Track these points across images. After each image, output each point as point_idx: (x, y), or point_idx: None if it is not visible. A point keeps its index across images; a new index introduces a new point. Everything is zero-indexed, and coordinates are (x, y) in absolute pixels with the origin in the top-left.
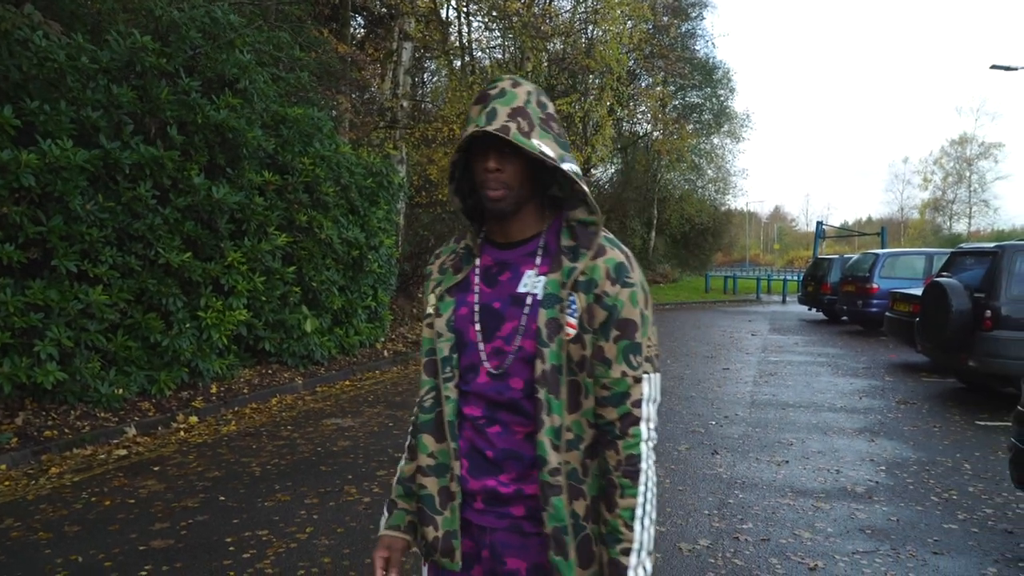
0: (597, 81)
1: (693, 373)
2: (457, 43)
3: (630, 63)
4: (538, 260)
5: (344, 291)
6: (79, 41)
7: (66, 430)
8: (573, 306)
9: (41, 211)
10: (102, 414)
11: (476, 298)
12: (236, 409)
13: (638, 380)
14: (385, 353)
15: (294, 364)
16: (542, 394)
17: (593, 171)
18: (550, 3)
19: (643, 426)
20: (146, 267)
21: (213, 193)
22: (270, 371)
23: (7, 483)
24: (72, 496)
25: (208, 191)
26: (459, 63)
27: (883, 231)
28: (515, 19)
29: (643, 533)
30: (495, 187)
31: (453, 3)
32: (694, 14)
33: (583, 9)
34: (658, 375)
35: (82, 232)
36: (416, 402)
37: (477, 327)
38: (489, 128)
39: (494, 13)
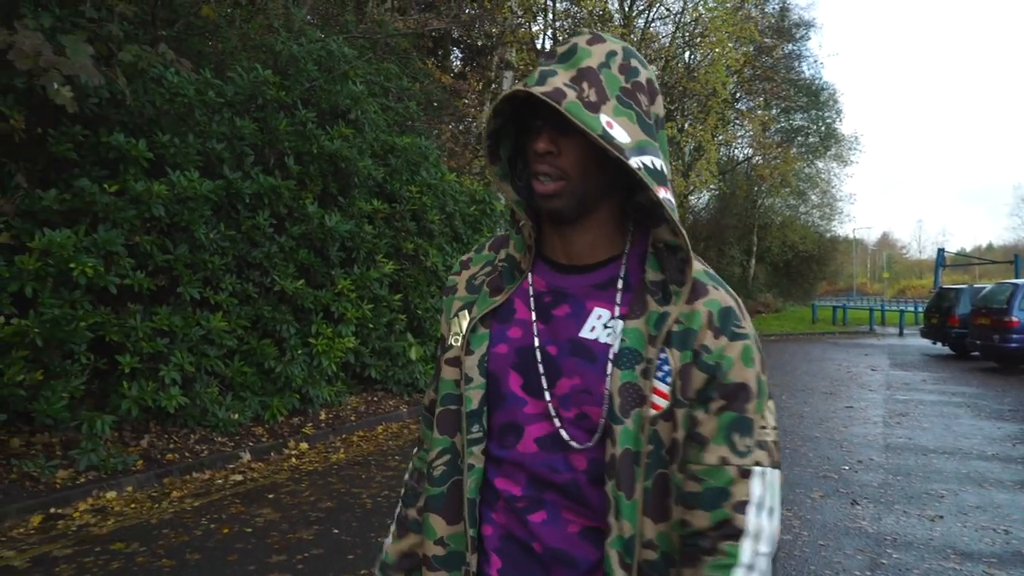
0: (696, 105)
1: (813, 411)
2: None
3: (731, 86)
4: (618, 297)
5: None
6: (206, 76)
7: (187, 453)
8: (665, 367)
9: (169, 240)
10: (219, 438)
11: (521, 333)
12: (344, 436)
13: (745, 473)
14: None
15: (399, 391)
16: (609, 489)
17: (690, 197)
18: (648, 28)
19: (746, 545)
20: (262, 294)
21: (326, 221)
22: (375, 398)
23: (133, 505)
24: (192, 522)
25: (321, 219)
26: None
27: (1016, 259)
28: None
29: None
30: (546, 177)
31: (550, 32)
32: (799, 35)
33: (684, 33)
34: (778, 472)
35: (205, 260)
36: (413, 463)
37: (513, 372)
38: (536, 89)
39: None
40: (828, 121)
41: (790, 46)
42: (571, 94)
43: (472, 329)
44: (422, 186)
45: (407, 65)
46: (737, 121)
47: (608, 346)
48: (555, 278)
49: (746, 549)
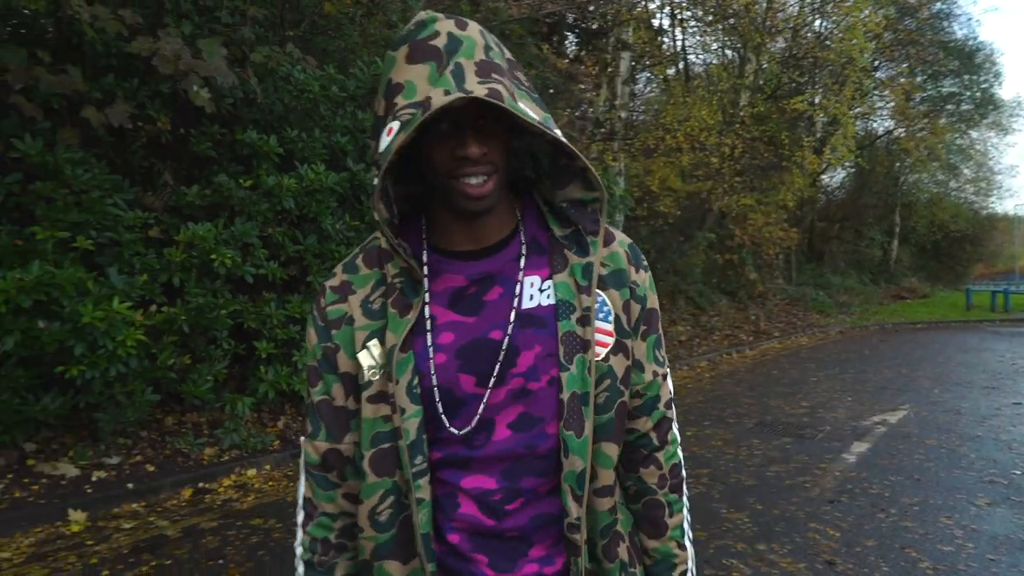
0: (829, 76)
1: (973, 407)
2: (671, 51)
3: (870, 53)
4: (522, 262)
5: None
6: (330, 72)
7: None
8: (605, 308)
9: (298, 231)
10: None
11: (453, 337)
12: None
13: (665, 377)
14: None
15: None
16: (560, 431)
17: (823, 176)
18: None
19: (675, 427)
20: None
21: None
22: None
23: (271, 483)
24: None
25: None
26: (673, 71)
27: None
28: (734, 20)
29: (691, 546)
30: (477, 178)
31: (667, 10)
32: None
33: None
34: None
35: (332, 250)
36: (309, 534)
37: (461, 374)
38: (479, 94)
39: (710, 18)
40: (984, 86)
41: (938, 4)
42: (503, 91)
43: (388, 356)
44: None
45: (522, 51)
46: (876, 92)
47: (551, 307)
48: (474, 267)
49: (676, 430)
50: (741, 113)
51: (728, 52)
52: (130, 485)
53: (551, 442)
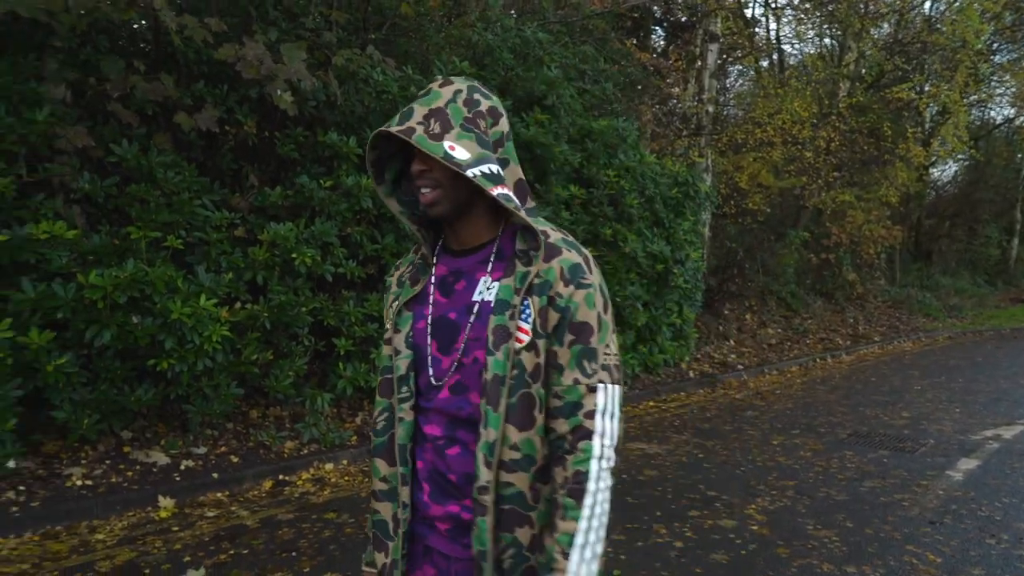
0: (939, 62)
1: None
2: (764, 42)
3: (987, 35)
4: (490, 267)
5: (648, 307)
6: (408, 73)
7: None
8: (527, 311)
9: (376, 231)
10: None
11: (431, 310)
12: None
13: (592, 389)
14: (691, 374)
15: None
16: (481, 405)
17: (931, 170)
18: None
19: (596, 441)
20: None
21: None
22: None
23: (347, 478)
24: None
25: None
26: (766, 63)
27: None
28: (832, 7)
29: (582, 566)
30: (426, 188)
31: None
32: None
33: None
34: (618, 388)
35: (409, 248)
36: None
37: (432, 340)
38: (392, 129)
39: (807, 5)
40: None
41: None
42: (419, 128)
43: (398, 313)
44: (620, 169)
45: (604, 47)
46: (995, 77)
47: (488, 302)
48: (454, 262)
49: (596, 444)
50: (840, 105)
51: (826, 41)
52: (215, 475)
53: (473, 410)
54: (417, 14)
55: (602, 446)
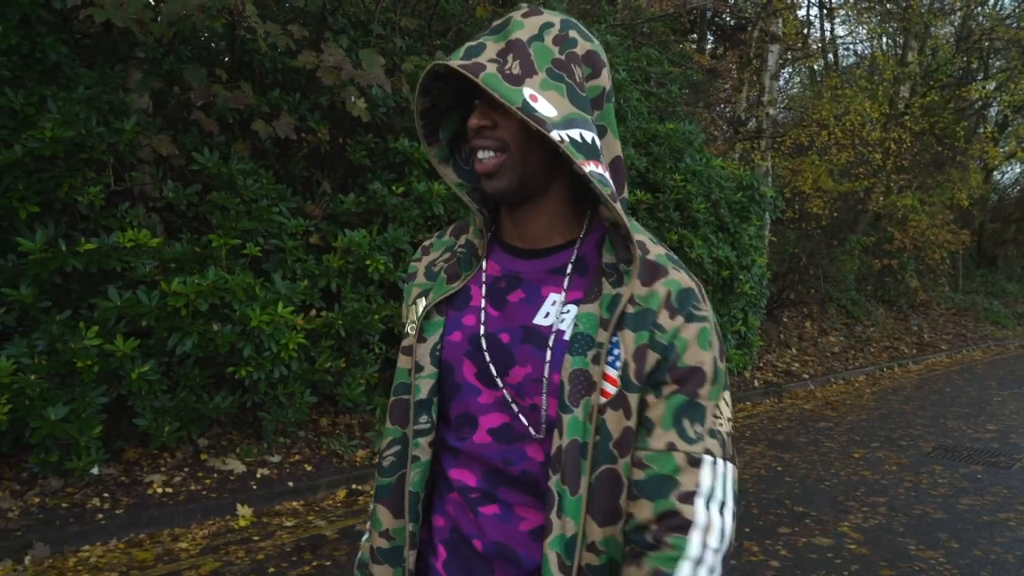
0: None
1: None
2: (819, 43)
3: None
4: (566, 281)
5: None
6: None
7: None
8: (615, 351)
9: None
10: None
11: (474, 320)
12: None
13: (695, 462)
14: (755, 383)
15: None
16: (553, 483)
17: (994, 172)
18: None
19: (695, 538)
20: None
21: None
22: None
23: None
24: None
25: None
26: (820, 64)
27: None
28: (890, 5)
29: None
30: (485, 151)
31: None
32: None
33: None
34: (731, 466)
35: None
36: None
37: (468, 361)
38: (453, 63)
39: (864, 3)
40: None
41: None
42: (491, 67)
43: (426, 316)
44: (686, 173)
45: (666, 49)
46: None
47: (562, 332)
48: (511, 263)
49: (694, 541)
50: (913, 105)
51: (885, 40)
52: (291, 483)
53: (529, 466)
54: (491, 13)
55: (703, 546)
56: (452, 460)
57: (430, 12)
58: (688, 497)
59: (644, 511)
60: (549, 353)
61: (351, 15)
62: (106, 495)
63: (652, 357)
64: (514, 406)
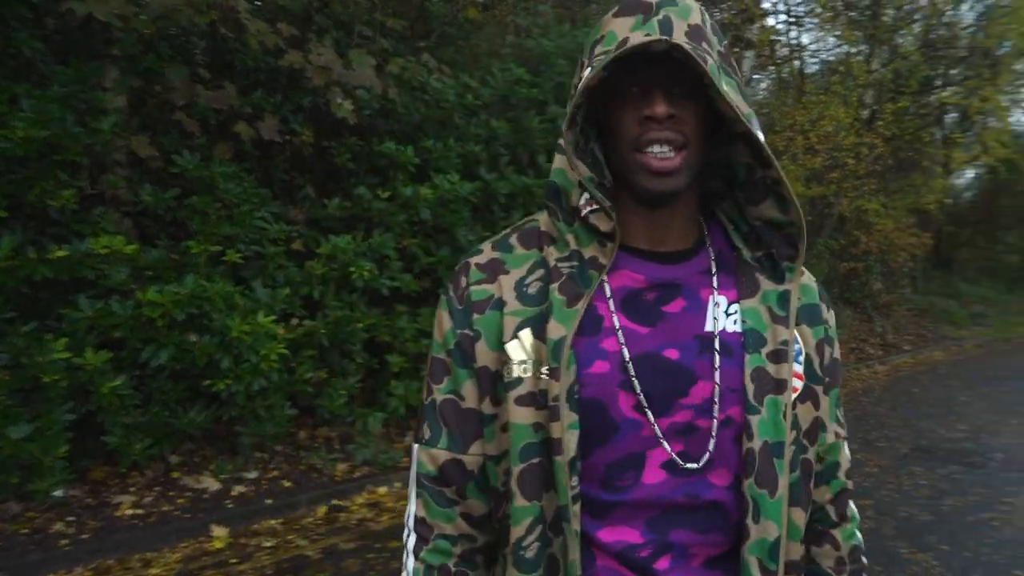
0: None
1: None
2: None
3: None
4: (715, 280)
5: None
6: (465, 80)
7: None
8: (796, 346)
9: (432, 242)
10: None
11: (622, 344)
12: None
13: (846, 440)
14: None
15: None
16: (748, 488)
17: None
18: None
19: (853, 504)
20: None
21: None
22: None
23: (402, 502)
24: None
25: None
26: (789, 71)
27: None
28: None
29: None
30: (666, 146)
31: (781, 5)
32: None
33: None
34: None
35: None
36: (424, 560)
37: (624, 392)
38: (679, 40)
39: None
40: None
41: None
42: (708, 59)
43: (554, 349)
44: None
45: None
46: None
47: (739, 335)
48: (657, 269)
49: (854, 507)
50: (884, 110)
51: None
52: (268, 501)
53: (718, 494)
54: (480, 16)
55: (855, 505)
56: (600, 522)
57: (414, 13)
58: (847, 472)
59: (825, 494)
60: (731, 359)
61: (334, 15)
62: (71, 519)
63: (827, 350)
64: (698, 428)
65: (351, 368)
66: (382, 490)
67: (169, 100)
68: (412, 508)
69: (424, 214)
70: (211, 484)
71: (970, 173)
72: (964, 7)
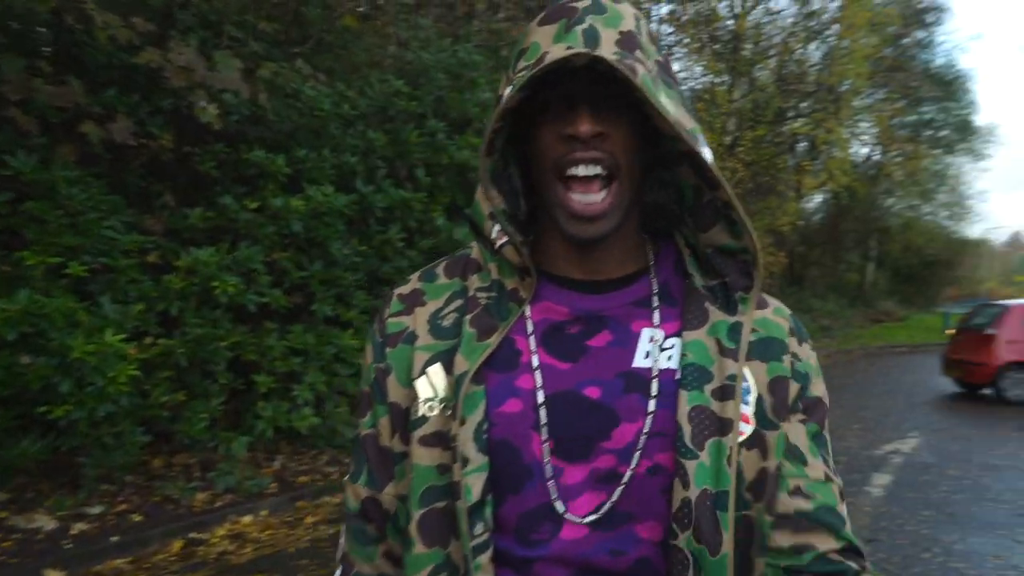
0: (814, 102)
1: (985, 433)
2: None
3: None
4: (656, 314)
5: None
6: (342, 90)
7: (317, 476)
8: (745, 384)
9: (304, 256)
10: (348, 460)
11: (538, 381)
12: None
13: (842, 496)
14: None
15: None
16: (683, 542)
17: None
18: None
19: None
20: None
21: (454, 235)
22: None
23: (268, 532)
24: (330, 551)
25: (450, 233)
26: None
27: None
28: (718, 47)
29: None
30: (593, 164)
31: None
32: (930, 20)
33: (813, 22)
34: None
35: (339, 276)
36: None
37: (541, 435)
38: (602, 53)
39: (697, 44)
40: (962, 112)
41: (921, 33)
42: (639, 66)
43: (458, 385)
44: None
45: None
46: (860, 117)
47: (672, 372)
48: (581, 300)
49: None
50: (744, 137)
51: (711, 78)
52: (114, 538)
53: (646, 551)
54: (358, 25)
55: None
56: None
57: (289, 17)
58: (852, 530)
59: (829, 542)
60: (662, 398)
61: (201, 13)
62: None
63: (794, 387)
64: (622, 475)
65: (214, 389)
66: (246, 519)
67: (2, 94)
68: (341, 541)
69: (295, 226)
70: (46, 523)
71: (819, 197)
72: (812, 46)
